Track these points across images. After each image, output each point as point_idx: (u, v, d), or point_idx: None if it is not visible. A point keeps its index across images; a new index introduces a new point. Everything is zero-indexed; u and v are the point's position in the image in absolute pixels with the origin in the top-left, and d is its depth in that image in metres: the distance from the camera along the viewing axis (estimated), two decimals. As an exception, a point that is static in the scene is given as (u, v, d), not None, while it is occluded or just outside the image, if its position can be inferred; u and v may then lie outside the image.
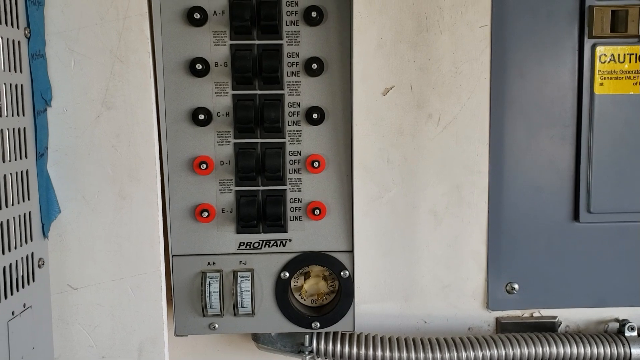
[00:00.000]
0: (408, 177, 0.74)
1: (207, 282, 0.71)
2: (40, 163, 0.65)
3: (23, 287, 0.62)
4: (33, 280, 0.64)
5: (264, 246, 0.72)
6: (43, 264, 0.67)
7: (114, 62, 0.66)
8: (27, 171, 0.63)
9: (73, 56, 0.66)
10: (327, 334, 0.75)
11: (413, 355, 0.73)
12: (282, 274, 0.72)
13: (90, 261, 0.69)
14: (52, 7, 0.65)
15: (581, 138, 0.74)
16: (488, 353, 0.73)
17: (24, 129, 0.62)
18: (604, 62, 0.73)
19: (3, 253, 0.59)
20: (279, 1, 0.68)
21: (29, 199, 0.63)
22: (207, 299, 0.70)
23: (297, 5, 0.69)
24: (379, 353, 0.73)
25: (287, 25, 0.69)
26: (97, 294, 0.69)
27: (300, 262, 0.72)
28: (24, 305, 0.62)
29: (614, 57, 0.73)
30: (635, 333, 0.77)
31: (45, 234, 0.67)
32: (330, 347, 0.74)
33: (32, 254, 0.64)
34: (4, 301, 0.59)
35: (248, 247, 0.72)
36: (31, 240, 0.64)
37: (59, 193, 0.68)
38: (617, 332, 0.78)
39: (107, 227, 0.69)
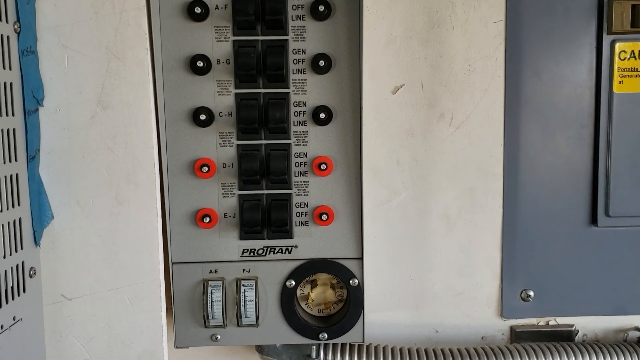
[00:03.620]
0: (419, 180, 0.72)
1: (209, 291, 0.69)
2: (32, 166, 0.63)
3: (13, 298, 0.60)
4: (24, 291, 0.62)
5: (269, 253, 0.70)
6: (35, 273, 0.65)
7: (110, 58, 0.64)
8: (17, 175, 0.61)
9: (66, 52, 0.64)
10: (335, 345, 0.73)
11: (425, 366, 0.72)
12: (287, 282, 0.70)
13: (85, 270, 0.67)
14: (44, 0, 0.63)
15: (599, 139, 0.73)
16: (503, 364, 0.72)
17: (14, 129, 0.60)
18: (624, 59, 0.72)
19: (-9, 263, 0.57)
20: (284, -6, 0.66)
21: (19, 204, 0.61)
22: (209, 309, 0.69)
23: (304, -1, 0.67)
24: (389, 364, 0.72)
25: (292, 19, 0.67)
26: (93, 305, 0.68)
27: (307, 270, 0.71)
28: (14, 318, 0.60)
29: (634, 53, 0.72)
30: (656, 342, 0.76)
31: (37, 241, 0.65)
32: (338, 358, 0.72)
33: (23, 263, 0.62)
34: (-7, 314, 0.57)
35: (252, 254, 0.70)
36: (22, 248, 0.62)
37: (52, 198, 0.66)
38: (637, 342, 0.77)
39: (102, 234, 0.67)
